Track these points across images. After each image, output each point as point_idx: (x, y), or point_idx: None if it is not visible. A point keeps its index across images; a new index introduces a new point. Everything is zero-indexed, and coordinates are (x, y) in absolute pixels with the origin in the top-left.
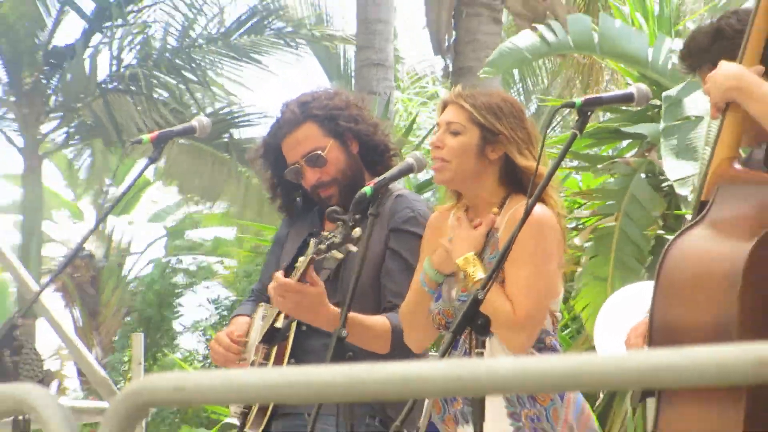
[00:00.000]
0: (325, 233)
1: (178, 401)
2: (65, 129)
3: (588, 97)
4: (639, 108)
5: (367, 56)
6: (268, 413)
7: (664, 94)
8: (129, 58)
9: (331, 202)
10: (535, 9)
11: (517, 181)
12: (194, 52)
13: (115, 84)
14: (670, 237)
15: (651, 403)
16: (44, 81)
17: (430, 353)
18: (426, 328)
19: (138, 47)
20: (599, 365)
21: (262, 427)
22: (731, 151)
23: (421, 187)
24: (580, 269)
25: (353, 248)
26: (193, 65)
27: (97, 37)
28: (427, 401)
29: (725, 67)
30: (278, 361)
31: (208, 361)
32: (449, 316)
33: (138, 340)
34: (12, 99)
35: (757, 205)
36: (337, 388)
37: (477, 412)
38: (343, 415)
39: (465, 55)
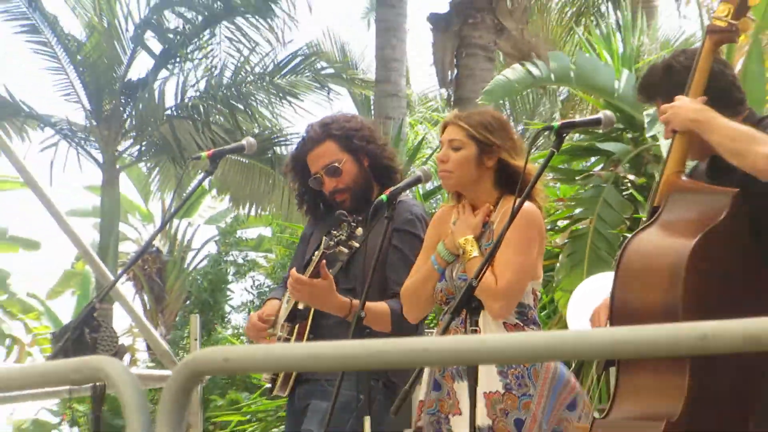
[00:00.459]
0: (334, 232)
1: (226, 370)
2: (138, 147)
3: (564, 121)
4: (605, 130)
5: (384, 88)
6: (292, 379)
7: (645, 112)
8: (191, 90)
9: (345, 205)
10: (521, 49)
11: (509, 184)
12: (245, 87)
13: (179, 111)
14: None
15: (613, 371)
16: (121, 108)
17: (426, 331)
18: (426, 305)
19: (198, 82)
20: (571, 340)
21: (288, 389)
22: (679, 165)
23: (427, 195)
24: (558, 264)
25: (356, 244)
26: (241, 98)
27: (164, 72)
28: (427, 368)
29: (688, 101)
30: (299, 337)
31: None
32: (450, 293)
33: (195, 320)
34: (94, 123)
35: (699, 210)
36: (357, 359)
37: (471, 370)
38: (359, 380)
39: (465, 87)
